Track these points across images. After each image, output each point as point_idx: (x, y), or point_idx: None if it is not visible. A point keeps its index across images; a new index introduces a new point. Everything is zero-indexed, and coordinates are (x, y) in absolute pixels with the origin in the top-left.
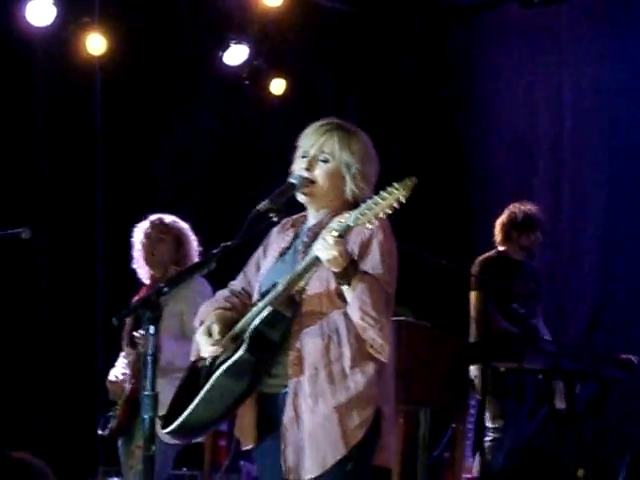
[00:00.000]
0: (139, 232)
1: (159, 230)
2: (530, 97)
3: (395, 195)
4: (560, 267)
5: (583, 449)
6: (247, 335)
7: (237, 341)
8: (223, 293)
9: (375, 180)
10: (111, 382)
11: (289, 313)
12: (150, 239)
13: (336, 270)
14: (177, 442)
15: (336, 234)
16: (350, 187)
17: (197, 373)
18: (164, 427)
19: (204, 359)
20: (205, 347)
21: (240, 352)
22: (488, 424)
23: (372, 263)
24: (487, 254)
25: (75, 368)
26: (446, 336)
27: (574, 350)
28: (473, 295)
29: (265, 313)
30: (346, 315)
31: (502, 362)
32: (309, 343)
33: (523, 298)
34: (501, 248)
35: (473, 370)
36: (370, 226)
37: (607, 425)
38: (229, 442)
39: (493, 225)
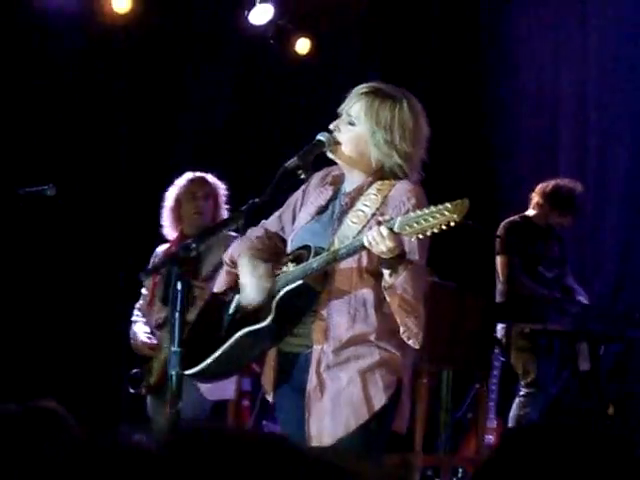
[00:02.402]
0: (177, 188)
1: (204, 188)
2: (554, 54)
3: (446, 218)
4: (584, 227)
5: (606, 411)
6: (274, 304)
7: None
8: (256, 232)
9: (413, 150)
10: (144, 344)
11: (320, 287)
12: (194, 196)
13: (385, 258)
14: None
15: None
16: (373, 154)
17: (218, 306)
18: (185, 368)
19: (230, 294)
20: (248, 293)
21: (266, 322)
22: (521, 381)
23: (410, 246)
24: (511, 218)
25: (97, 324)
26: (470, 296)
27: (599, 311)
28: (500, 259)
29: (295, 285)
30: (374, 289)
31: (527, 323)
32: (335, 316)
33: (549, 262)
34: (528, 213)
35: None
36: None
37: (631, 387)
38: (253, 402)
39: (517, 184)
